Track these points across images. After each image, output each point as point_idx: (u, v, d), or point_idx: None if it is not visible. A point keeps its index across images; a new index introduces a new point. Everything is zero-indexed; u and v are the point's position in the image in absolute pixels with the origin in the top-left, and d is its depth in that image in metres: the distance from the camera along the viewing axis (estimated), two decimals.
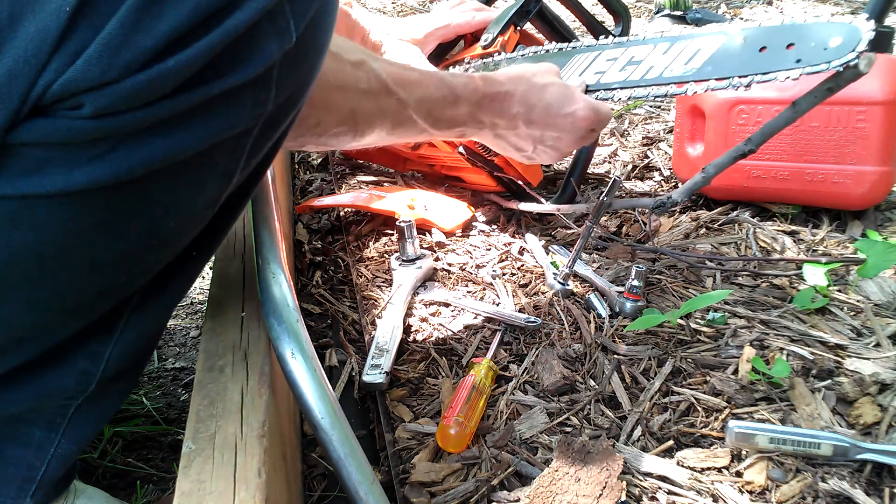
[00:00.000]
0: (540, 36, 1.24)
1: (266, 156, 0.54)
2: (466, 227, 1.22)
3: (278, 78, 0.45)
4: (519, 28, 1.14)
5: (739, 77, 0.78)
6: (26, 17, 0.36)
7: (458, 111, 0.83)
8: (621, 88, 0.89)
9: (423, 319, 0.98)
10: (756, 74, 0.77)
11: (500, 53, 1.10)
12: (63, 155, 0.40)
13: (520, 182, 1.19)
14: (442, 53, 1.21)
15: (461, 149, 1.11)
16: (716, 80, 0.80)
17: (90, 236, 0.45)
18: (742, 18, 2.49)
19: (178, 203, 0.48)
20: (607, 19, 1.32)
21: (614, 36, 0.99)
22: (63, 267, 0.47)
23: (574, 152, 1.25)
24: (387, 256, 1.15)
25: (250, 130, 0.47)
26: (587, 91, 0.93)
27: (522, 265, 1.09)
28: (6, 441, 0.57)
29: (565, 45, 1.01)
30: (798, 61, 0.74)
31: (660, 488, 0.68)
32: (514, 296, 1.01)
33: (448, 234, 1.19)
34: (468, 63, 1.15)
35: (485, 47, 1.15)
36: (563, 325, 0.93)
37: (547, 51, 1.01)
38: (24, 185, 0.40)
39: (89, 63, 0.37)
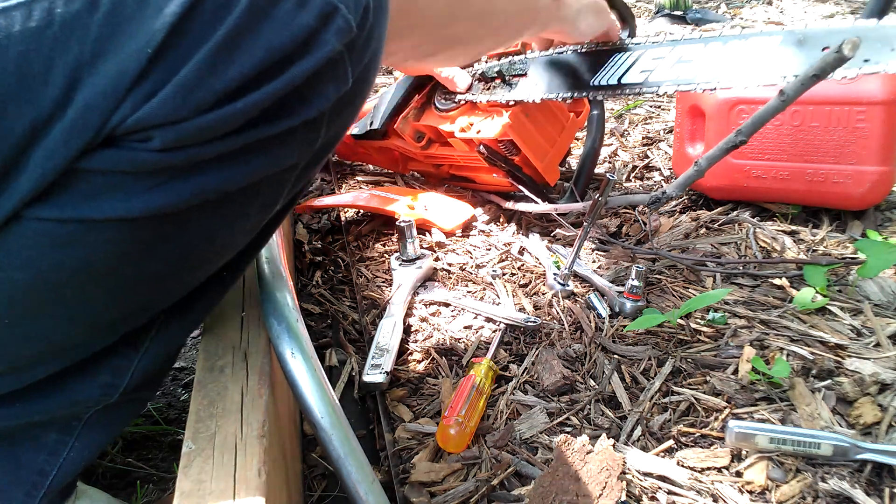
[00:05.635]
0: None
1: (303, 188, 0.57)
2: (466, 227, 1.22)
3: (329, 119, 0.48)
4: None
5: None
6: (108, 56, 0.38)
7: None
8: (672, 84, 0.87)
9: (423, 319, 0.98)
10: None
11: (525, 53, 1.10)
12: (124, 183, 0.42)
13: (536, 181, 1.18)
14: None
15: (481, 147, 1.10)
16: (781, 76, 0.78)
17: (137, 258, 0.47)
18: (742, 18, 2.49)
19: (222, 229, 0.51)
20: None
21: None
22: (107, 285, 0.49)
23: (580, 156, 1.25)
24: (387, 256, 1.15)
25: (297, 165, 0.50)
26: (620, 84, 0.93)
27: (522, 265, 1.09)
28: (20, 444, 0.57)
29: (603, 43, 0.97)
30: (866, 61, 0.73)
31: (660, 488, 0.68)
32: (514, 296, 1.01)
33: (448, 234, 1.19)
34: (486, 62, 1.15)
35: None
36: (563, 325, 0.93)
37: (587, 51, 0.98)
38: (85, 209, 0.42)
39: (164, 102, 0.39)
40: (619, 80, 0.91)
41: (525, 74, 1.06)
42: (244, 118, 0.42)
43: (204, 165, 0.44)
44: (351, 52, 0.45)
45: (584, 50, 0.97)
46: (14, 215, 0.42)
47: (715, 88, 0.84)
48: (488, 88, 1.12)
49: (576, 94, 0.96)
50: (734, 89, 0.84)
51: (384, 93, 1.31)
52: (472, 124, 1.12)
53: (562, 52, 1.00)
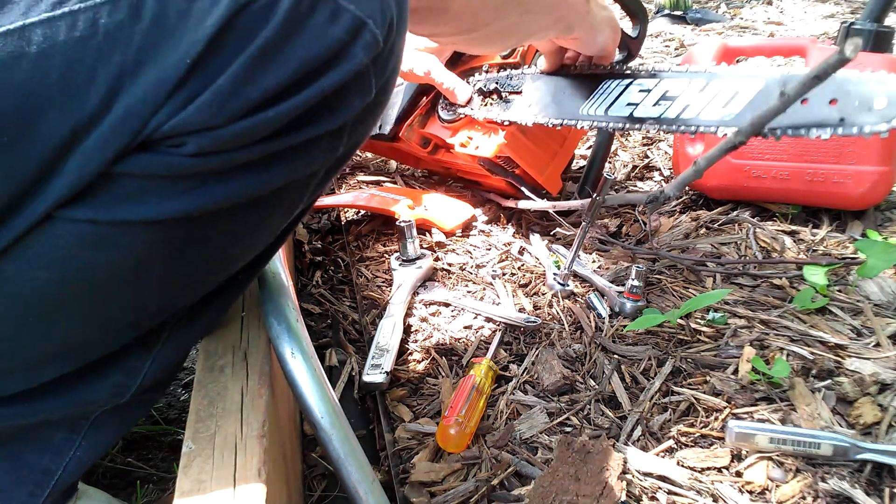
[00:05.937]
0: None
1: (321, 192, 0.58)
2: (466, 227, 1.22)
3: (351, 128, 0.50)
4: None
5: (780, 128, 0.74)
6: (149, 65, 0.40)
7: None
8: (655, 124, 0.86)
9: (423, 319, 0.98)
10: (800, 128, 0.73)
11: (522, 67, 1.09)
12: (157, 186, 0.44)
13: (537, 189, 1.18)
14: (456, 60, 1.21)
15: (481, 161, 1.11)
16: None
17: (164, 260, 0.48)
18: (742, 18, 2.49)
19: (246, 233, 0.53)
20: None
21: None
22: (132, 287, 0.50)
23: (588, 158, 1.25)
24: (387, 256, 1.15)
25: (318, 172, 0.52)
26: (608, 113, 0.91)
27: (522, 265, 1.09)
28: (25, 444, 0.57)
29: (592, 66, 0.96)
30: (842, 120, 0.71)
31: (660, 488, 0.68)
32: (514, 296, 1.01)
33: (448, 234, 1.19)
34: (486, 71, 1.14)
35: (504, 57, 1.14)
36: (563, 325, 0.93)
37: (580, 74, 0.96)
38: (118, 211, 0.43)
39: (200, 109, 0.41)
40: (607, 111, 0.91)
41: (520, 92, 1.05)
42: (275, 126, 0.44)
43: (235, 170, 0.45)
44: (375, 65, 0.47)
45: (576, 72, 0.96)
46: (46, 216, 0.43)
47: (695, 132, 0.83)
48: (486, 104, 1.11)
49: (565, 122, 0.95)
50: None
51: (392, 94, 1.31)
52: (471, 139, 1.12)
53: (555, 74, 0.99)
